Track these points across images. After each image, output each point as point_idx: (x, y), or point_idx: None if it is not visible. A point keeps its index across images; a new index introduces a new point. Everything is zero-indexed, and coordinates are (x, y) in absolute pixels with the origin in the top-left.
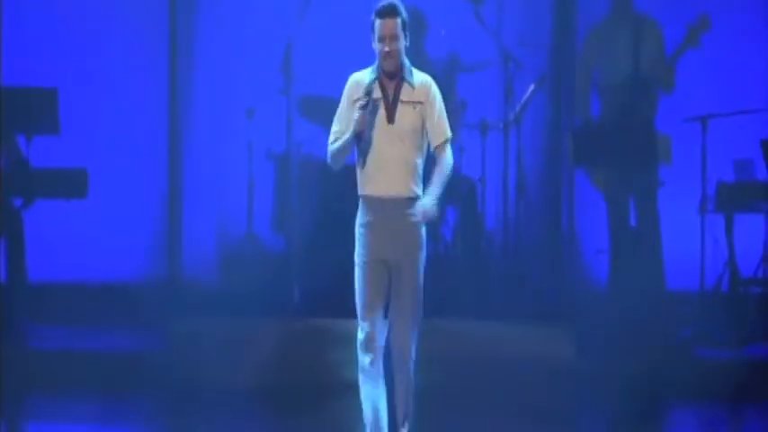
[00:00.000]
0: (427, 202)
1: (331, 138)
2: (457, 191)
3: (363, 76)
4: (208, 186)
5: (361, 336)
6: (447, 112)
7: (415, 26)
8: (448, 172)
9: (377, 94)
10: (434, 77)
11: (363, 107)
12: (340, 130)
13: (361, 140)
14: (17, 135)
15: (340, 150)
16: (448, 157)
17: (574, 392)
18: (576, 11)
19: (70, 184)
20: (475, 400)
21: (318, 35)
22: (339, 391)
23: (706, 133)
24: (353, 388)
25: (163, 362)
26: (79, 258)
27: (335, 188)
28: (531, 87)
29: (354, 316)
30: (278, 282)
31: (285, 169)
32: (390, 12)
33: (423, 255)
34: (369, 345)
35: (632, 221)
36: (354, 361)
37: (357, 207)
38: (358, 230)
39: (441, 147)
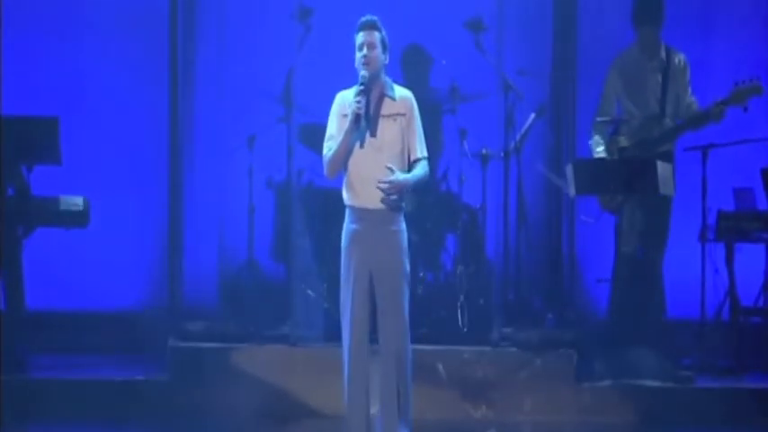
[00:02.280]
0: (402, 175)
1: (325, 149)
2: (458, 219)
3: (350, 93)
4: (209, 214)
5: (347, 360)
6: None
7: (420, 60)
8: (422, 176)
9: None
10: (436, 107)
11: (361, 92)
12: (334, 140)
13: (358, 127)
14: (19, 164)
15: (339, 150)
16: (425, 168)
17: (574, 420)
18: (576, 41)
19: (71, 212)
20: (474, 428)
21: (318, 63)
22: (339, 420)
23: (706, 162)
24: None
25: (163, 390)
26: (80, 287)
27: (335, 216)
28: (532, 116)
29: None
30: (278, 309)
31: (286, 197)
32: (369, 25)
33: (406, 263)
34: (356, 369)
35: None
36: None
37: None
38: (344, 239)
39: (419, 162)
